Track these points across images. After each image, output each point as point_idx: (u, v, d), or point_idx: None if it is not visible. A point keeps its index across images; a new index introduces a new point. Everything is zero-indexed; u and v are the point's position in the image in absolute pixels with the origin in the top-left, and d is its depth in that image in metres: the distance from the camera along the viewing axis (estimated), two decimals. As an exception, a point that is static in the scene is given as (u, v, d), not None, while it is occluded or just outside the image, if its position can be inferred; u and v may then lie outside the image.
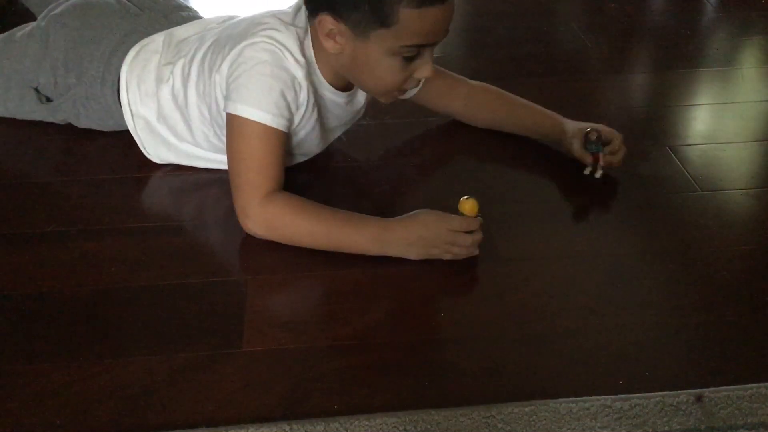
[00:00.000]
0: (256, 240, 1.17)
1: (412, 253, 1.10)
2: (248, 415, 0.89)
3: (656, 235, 1.17)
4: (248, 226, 1.13)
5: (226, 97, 1.14)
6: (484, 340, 0.99)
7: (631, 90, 1.63)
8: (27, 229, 1.18)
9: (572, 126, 1.30)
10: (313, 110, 1.18)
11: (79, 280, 1.08)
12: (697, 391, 0.90)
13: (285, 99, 1.12)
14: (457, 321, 1.02)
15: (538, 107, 1.36)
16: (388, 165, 1.34)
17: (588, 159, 1.25)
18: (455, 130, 1.44)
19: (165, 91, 1.27)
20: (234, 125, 1.13)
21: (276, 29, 1.12)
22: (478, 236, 1.10)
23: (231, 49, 1.13)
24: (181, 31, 1.33)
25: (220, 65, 1.15)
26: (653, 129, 1.45)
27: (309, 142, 1.25)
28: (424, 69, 1.11)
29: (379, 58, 1.08)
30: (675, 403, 0.89)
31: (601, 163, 1.24)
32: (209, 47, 1.21)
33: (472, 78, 1.40)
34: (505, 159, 1.34)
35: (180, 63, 1.25)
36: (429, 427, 0.87)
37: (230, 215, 1.21)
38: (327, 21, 1.07)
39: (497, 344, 0.98)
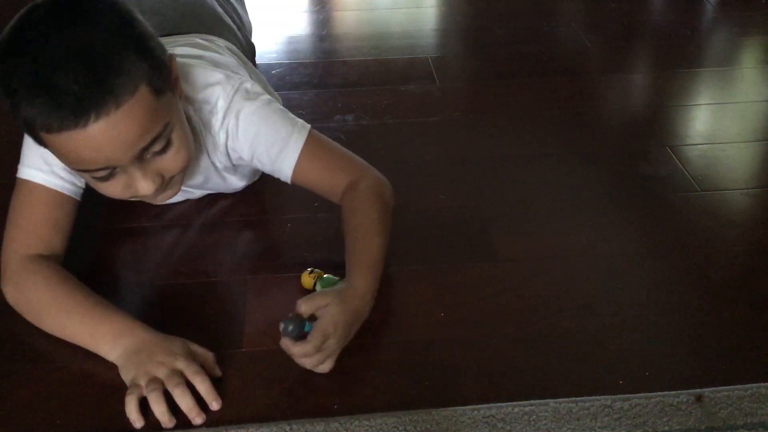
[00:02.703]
0: (255, 240, 1.17)
1: (125, 371, 0.91)
2: (248, 415, 0.89)
3: (656, 235, 1.17)
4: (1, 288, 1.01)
5: None
6: (484, 340, 0.99)
7: (631, 90, 1.63)
8: (27, 229, 1.18)
9: (330, 299, 0.95)
10: None
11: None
12: (697, 391, 0.90)
13: None
14: (457, 321, 1.02)
15: (361, 257, 1.02)
16: (386, 165, 1.34)
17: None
18: (455, 130, 1.45)
19: None
20: None
21: None
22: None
23: None
24: None
25: None
26: (653, 129, 1.45)
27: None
28: (137, 188, 0.94)
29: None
30: (675, 403, 0.89)
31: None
32: None
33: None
34: (505, 159, 1.33)
35: None
36: (429, 427, 0.87)
37: (230, 216, 1.21)
38: None
39: (497, 344, 0.98)
